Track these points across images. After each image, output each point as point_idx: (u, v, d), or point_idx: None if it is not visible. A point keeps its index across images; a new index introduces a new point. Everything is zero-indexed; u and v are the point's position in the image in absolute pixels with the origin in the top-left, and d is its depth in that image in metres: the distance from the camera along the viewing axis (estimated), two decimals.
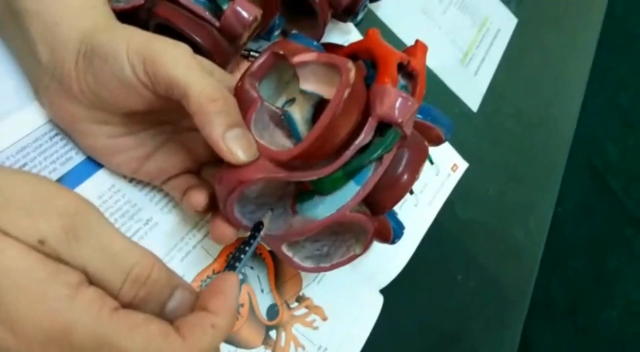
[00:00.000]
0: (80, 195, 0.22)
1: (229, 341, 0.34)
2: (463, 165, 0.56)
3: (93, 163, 0.33)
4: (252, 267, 0.37)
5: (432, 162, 0.51)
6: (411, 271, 0.46)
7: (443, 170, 0.54)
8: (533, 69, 0.77)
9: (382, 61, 0.32)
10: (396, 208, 0.40)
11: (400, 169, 0.33)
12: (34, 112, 0.32)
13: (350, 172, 0.30)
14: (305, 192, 0.32)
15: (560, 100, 0.79)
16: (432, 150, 0.52)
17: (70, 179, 0.33)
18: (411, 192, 0.47)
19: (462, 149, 0.57)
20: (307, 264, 0.33)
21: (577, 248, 0.77)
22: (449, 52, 0.65)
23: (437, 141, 0.40)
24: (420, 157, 0.34)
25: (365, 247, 0.33)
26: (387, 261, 0.45)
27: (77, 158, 0.33)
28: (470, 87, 0.65)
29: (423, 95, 0.33)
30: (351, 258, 0.33)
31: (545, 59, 0.80)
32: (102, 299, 0.20)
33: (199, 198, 0.31)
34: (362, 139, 0.29)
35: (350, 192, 0.31)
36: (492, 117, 0.66)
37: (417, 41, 0.35)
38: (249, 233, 0.31)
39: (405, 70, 0.32)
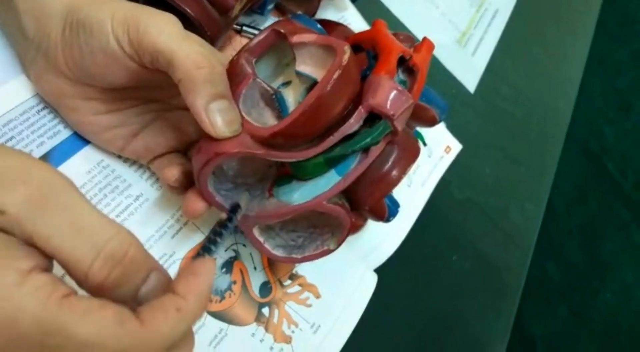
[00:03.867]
0: (57, 170, 0.20)
1: (222, 317, 0.34)
2: (457, 147, 0.56)
3: (81, 138, 0.33)
4: (244, 245, 0.36)
5: (424, 144, 0.50)
6: (406, 251, 0.46)
7: (436, 152, 0.54)
8: (531, 50, 0.76)
9: (383, 52, 0.31)
10: None
11: (387, 166, 0.32)
12: (21, 85, 0.32)
13: (332, 160, 0.29)
14: (284, 176, 0.31)
15: (558, 82, 0.78)
16: (425, 132, 0.51)
17: (58, 154, 0.32)
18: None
19: (459, 130, 0.56)
20: (278, 252, 0.33)
21: (573, 231, 0.77)
22: (446, 31, 0.64)
23: (432, 122, 0.39)
24: (410, 158, 0.33)
25: (340, 243, 0.32)
26: (381, 240, 0.45)
27: (65, 132, 0.33)
28: (468, 68, 0.64)
29: (420, 93, 0.32)
30: (324, 252, 0.33)
31: (544, 41, 0.79)
32: (53, 285, 0.18)
33: (172, 171, 0.31)
34: (349, 125, 0.28)
35: (330, 182, 0.30)
36: (490, 99, 0.65)
37: (424, 38, 0.34)
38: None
39: (406, 65, 0.32)
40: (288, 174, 0.31)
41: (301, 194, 0.30)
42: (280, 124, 0.27)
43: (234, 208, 0.29)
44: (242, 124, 0.28)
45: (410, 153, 0.34)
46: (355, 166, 0.30)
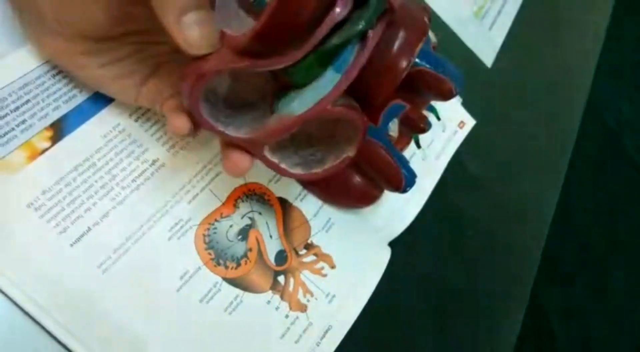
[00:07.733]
0: None
1: (237, 284, 0.33)
2: (470, 122, 0.55)
3: (97, 102, 0.33)
4: (260, 213, 0.36)
5: (438, 118, 0.50)
6: (420, 225, 0.46)
7: (449, 127, 0.53)
8: (549, 25, 0.74)
9: None
10: None
11: (393, 51, 0.28)
12: (35, 50, 0.31)
13: (325, 56, 0.25)
14: (283, 89, 0.28)
15: (576, 58, 0.77)
16: (440, 106, 0.51)
17: (74, 118, 0.32)
18: (419, 147, 0.45)
19: (476, 105, 0.55)
20: (297, 170, 0.30)
21: (589, 208, 0.76)
22: (463, 4, 0.63)
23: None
24: (417, 34, 0.29)
25: (357, 147, 0.30)
26: (396, 213, 0.44)
27: (81, 97, 0.32)
28: (485, 42, 0.63)
29: None
30: (344, 161, 0.30)
31: (562, 16, 0.77)
32: None
33: (180, 121, 0.29)
34: (338, 13, 0.24)
35: (329, 82, 0.26)
36: (507, 73, 0.64)
37: None
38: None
39: None
40: (287, 86, 0.28)
41: (301, 102, 0.27)
42: (255, 25, 0.23)
43: None
44: (221, 37, 0.24)
45: (416, 29, 0.30)
46: (354, 59, 0.26)
